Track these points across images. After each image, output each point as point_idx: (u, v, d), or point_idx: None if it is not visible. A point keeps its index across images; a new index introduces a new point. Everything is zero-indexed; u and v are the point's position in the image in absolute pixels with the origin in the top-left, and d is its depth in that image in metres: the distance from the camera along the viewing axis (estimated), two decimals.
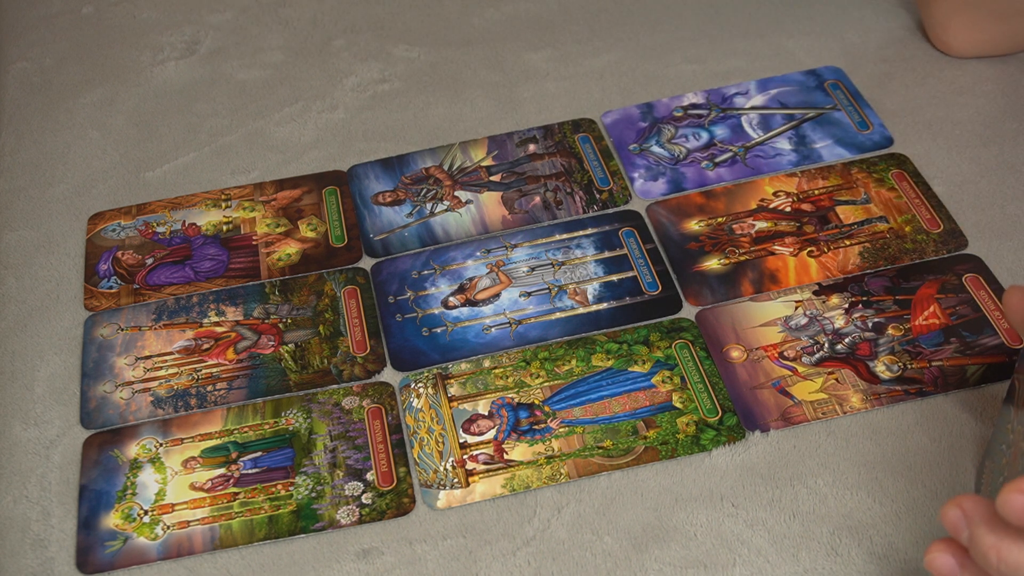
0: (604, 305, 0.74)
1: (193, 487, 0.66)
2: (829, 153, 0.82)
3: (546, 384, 0.70)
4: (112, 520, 0.65)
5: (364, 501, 0.65)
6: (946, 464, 0.64)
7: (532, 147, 0.85)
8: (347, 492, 0.66)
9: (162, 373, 0.72)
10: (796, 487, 0.64)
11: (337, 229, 0.80)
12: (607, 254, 0.77)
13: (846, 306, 0.72)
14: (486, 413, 0.69)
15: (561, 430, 0.67)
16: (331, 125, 0.89)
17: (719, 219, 0.79)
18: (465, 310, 0.75)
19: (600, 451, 0.66)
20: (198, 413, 0.70)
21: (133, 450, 0.68)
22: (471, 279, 0.76)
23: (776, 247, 0.76)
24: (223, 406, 0.70)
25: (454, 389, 0.70)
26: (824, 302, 0.73)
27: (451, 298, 0.75)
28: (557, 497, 0.65)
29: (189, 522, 0.65)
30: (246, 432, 0.69)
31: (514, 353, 0.72)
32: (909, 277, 0.74)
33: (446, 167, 0.84)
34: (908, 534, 0.61)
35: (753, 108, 0.86)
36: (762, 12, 0.95)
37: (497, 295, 0.75)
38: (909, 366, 0.69)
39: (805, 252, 0.76)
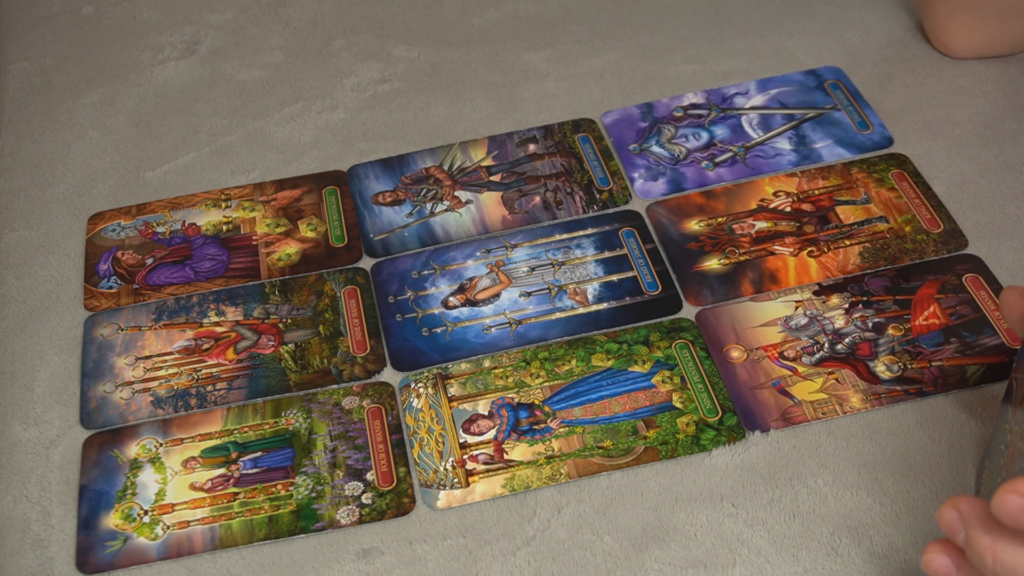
0: (604, 305, 0.74)
1: (193, 487, 0.67)
2: (829, 153, 0.82)
3: (546, 384, 0.70)
4: (112, 520, 0.65)
5: (364, 501, 0.65)
6: (946, 464, 0.64)
7: (532, 147, 0.85)
8: (347, 492, 0.66)
9: (162, 373, 0.72)
10: (796, 487, 0.64)
11: (337, 229, 0.80)
12: (607, 254, 0.77)
13: (846, 306, 0.72)
14: (486, 413, 0.69)
15: (561, 430, 0.67)
16: (331, 125, 0.89)
17: (719, 219, 0.79)
18: (465, 310, 0.75)
19: (600, 451, 0.66)
20: (198, 413, 0.70)
21: (133, 450, 0.68)
22: (471, 279, 0.76)
23: (776, 247, 0.76)
24: (223, 406, 0.70)
25: (454, 389, 0.70)
26: (824, 302, 0.73)
27: (451, 298, 0.75)
28: (557, 497, 0.65)
29: (189, 522, 0.65)
30: (246, 432, 0.69)
31: (514, 353, 0.72)
32: (909, 277, 0.74)
33: (446, 167, 0.84)
34: (908, 534, 0.61)
35: (753, 108, 0.86)
36: (762, 12, 0.95)
37: (497, 295, 0.75)
38: (909, 366, 0.69)
39: (805, 252, 0.76)
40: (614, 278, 0.76)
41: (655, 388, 0.69)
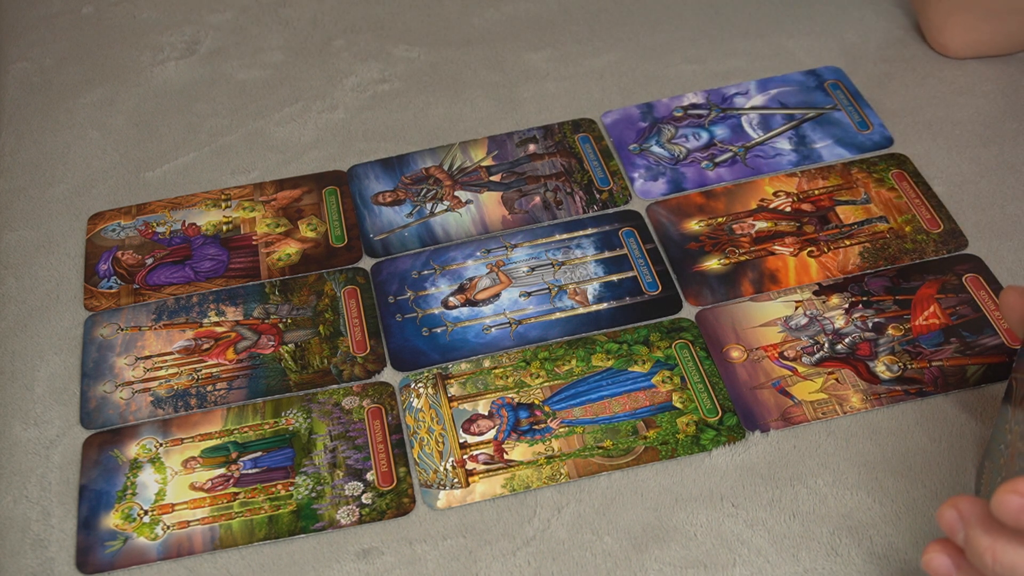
0: (604, 305, 0.74)
1: (193, 487, 0.67)
2: (829, 153, 0.82)
3: (546, 384, 0.70)
4: (112, 520, 0.65)
5: (364, 501, 0.65)
6: (946, 464, 0.64)
7: (532, 147, 0.85)
8: (347, 492, 0.66)
9: (162, 373, 0.72)
10: (796, 487, 0.64)
11: (337, 229, 0.80)
12: (607, 254, 0.77)
13: (846, 306, 0.72)
14: (486, 413, 0.69)
15: (561, 430, 0.67)
16: (331, 125, 0.89)
17: (719, 219, 0.79)
18: (465, 310, 0.75)
19: (600, 451, 0.66)
20: (198, 413, 0.70)
21: (133, 450, 0.68)
22: (471, 279, 0.76)
23: (776, 247, 0.76)
24: (223, 406, 0.70)
25: (454, 389, 0.70)
26: (824, 302, 0.73)
27: (451, 298, 0.75)
28: (557, 497, 0.65)
29: (189, 522, 0.65)
30: (246, 432, 0.69)
31: (514, 353, 0.72)
32: (909, 277, 0.74)
33: (446, 167, 0.84)
34: (908, 534, 0.61)
35: (753, 108, 0.86)
36: (762, 12, 0.95)
37: (497, 295, 0.75)
38: (909, 366, 0.69)
39: (805, 252, 0.76)
40: (614, 278, 0.76)
41: (655, 388, 0.69)
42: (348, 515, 0.65)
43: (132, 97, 0.93)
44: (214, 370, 0.72)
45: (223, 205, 0.83)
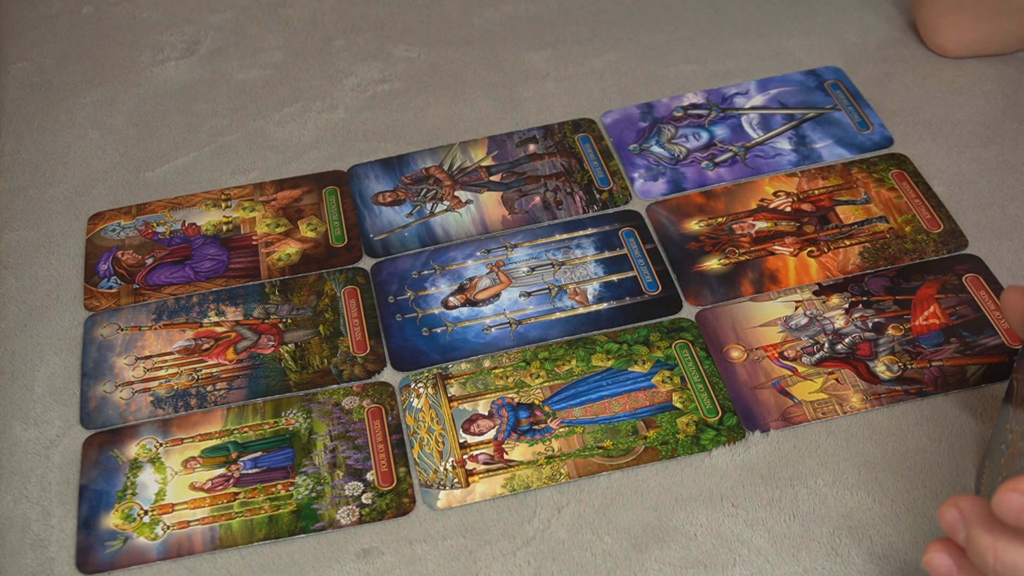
0: (604, 305, 0.74)
1: (193, 487, 0.66)
2: (829, 153, 0.82)
3: (546, 384, 0.70)
4: (112, 520, 0.65)
5: (364, 501, 0.65)
6: (946, 464, 0.64)
7: (532, 147, 0.85)
8: (347, 492, 0.66)
9: (162, 373, 0.72)
10: (796, 487, 0.64)
11: (337, 229, 0.80)
12: (607, 254, 0.77)
13: (846, 306, 0.72)
14: (486, 413, 0.69)
15: (561, 430, 0.67)
16: (331, 125, 0.89)
17: (719, 219, 0.79)
18: (465, 310, 0.75)
19: (600, 451, 0.66)
20: (198, 413, 0.70)
21: (133, 450, 0.68)
22: (471, 279, 0.76)
23: (776, 247, 0.76)
24: (223, 406, 0.70)
25: (454, 389, 0.70)
26: (824, 302, 0.73)
27: (451, 298, 0.75)
28: (557, 497, 0.65)
29: (189, 522, 0.65)
30: (246, 432, 0.69)
31: (514, 353, 0.72)
32: (909, 277, 0.74)
33: (446, 167, 0.84)
34: (908, 534, 0.61)
35: (753, 108, 0.86)
36: (762, 12, 0.95)
37: (497, 295, 0.75)
38: (909, 366, 0.69)
39: (805, 252, 0.76)
40: (614, 278, 0.76)
41: (655, 388, 0.69)
42: (348, 515, 0.65)
43: (132, 97, 0.93)
44: (214, 370, 0.72)
45: (223, 205, 0.83)
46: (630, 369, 0.70)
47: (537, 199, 0.81)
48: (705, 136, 0.85)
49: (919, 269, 0.74)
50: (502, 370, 0.71)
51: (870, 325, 0.71)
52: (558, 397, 0.69)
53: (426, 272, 0.77)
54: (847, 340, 0.70)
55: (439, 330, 0.73)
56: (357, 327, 0.74)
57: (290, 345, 0.73)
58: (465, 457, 0.67)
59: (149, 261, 0.79)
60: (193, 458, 0.68)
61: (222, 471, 0.67)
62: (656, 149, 0.84)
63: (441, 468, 0.66)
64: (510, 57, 0.93)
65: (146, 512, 0.65)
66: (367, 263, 0.78)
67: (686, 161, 0.83)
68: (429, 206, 0.81)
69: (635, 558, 0.62)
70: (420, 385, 0.70)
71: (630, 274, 0.76)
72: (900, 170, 0.81)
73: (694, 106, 0.87)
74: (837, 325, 0.71)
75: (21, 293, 0.78)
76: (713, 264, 0.76)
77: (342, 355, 0.72)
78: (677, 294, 0.74)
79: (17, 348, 0.75)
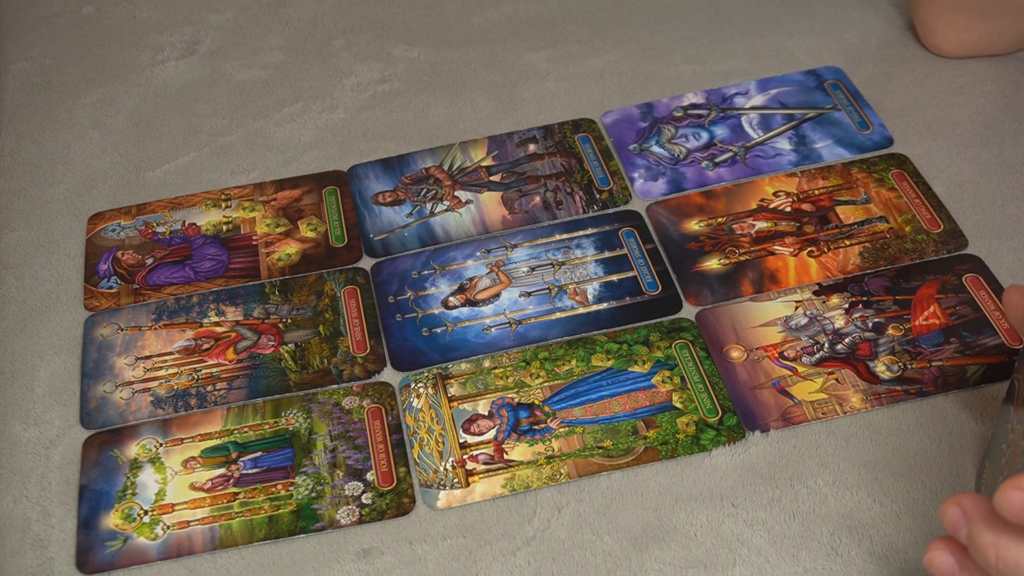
0: (604, 305, 0.74)
1: (193, 487, 0.66)
2: (829, 153, 0.83)
3: (546, 384, 0.70)
4: (112, 520, 0.65)
5: (364, 501, 0.65)
6: (946, 464, 0.64)
7: (532, 147, 0.85)
8: (347, 492, 0.66)
9: (162, 373, 0.72)
10: (796, 487, 0.64)
11: (337, 229, 0.80)
12: (607, 254, 0.77)
13: (846, 306, 0.72)
14: (486, 413, 0.69)
15: (561, 430, 0.67)
16: (331, 125, 0.89)
17: (719, 219, 0.79)
18: (465, 310, 0.75)
19: (600, 451, 0.66)
20: (198, 413, 0.70)
21: (133, 450, 0.68)
22: (471, 279, 0.76)
23: (776, 247, 0.76)
24: (223, 406, 0.70)
25: (454, 389, 0.70)
26: (824, 302, 0.73)
27: (451, 298, 0.75)
28: (557, 497, 0.65)
29: (189, 522, 0.65)
30: (246, 432, 0.69)
31: (514, 353, 0.72)
32: (909, 277, 0.74)
33: (446, 167, 0.84)
34: (908, 534, 0.61)
35: (753, 108, 0.86)
36: (762, 12, 0.95)
37: (497, 295, 0.75)
38: (909, 366, 0.69)
39: (805, 252, 0.76)
40: (614, 278, 0.76)
41: (655, 388, 0.69)
42: (348, 515, 0.64)
43: (132, 97, 0.93)
44: (214, 370, 0.72)
45: (223, 205, 0.83)
46: (630, 369, 0.70)
47: (537, 199, 0.81)
48: (705, 136, 0.85)
49: (919, 269, 0.74)
50: (502, 370, 0.71)
51: (870, 325, 0.71)
52: (558, 397, 0.69)
53: (426, 272, 0.77)
54: (847, 340, 0.70)
55: (439, 330, 0.73)
56: (357, 327, 0.74)
57: (290, 345, 0.73)
58: (465, 457, 0.67)
59: (149, 261, 0.79)
60: (193, 458, 0.68)
61: (222, 471, 0.67)
62: (656, 149, 0.84)
63: (441, 468, 0.66)
64: (510, 57, 0.93)
65: (146, 512, 0.65)
66: (367, 263, 0.78)
67: (686, 161, 0.83)
68: (429, 206, 0.81)
69: (635, 558, 0.61)
70: (420, 385, 0.70)
71: (630, 274, 0.76)
72: (900, 170, 0.81)
73: (694, 106, 0.87)
74: (837, 325, 0.71)
75: (21, 293, 0.78)
76: (713, 264, 0.76)
77: (342, 355, 0.72)
78: (677, 294, 0.74)
79: (17, 348, 0.75)
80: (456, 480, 0.66)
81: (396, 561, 0.62)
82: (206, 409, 0.70)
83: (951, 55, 0.88)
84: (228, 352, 0.73)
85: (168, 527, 0.65)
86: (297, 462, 0.67)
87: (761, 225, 0.78)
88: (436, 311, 0.75)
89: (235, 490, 0.66)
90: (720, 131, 0.85)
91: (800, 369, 0.69)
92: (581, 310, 0.74)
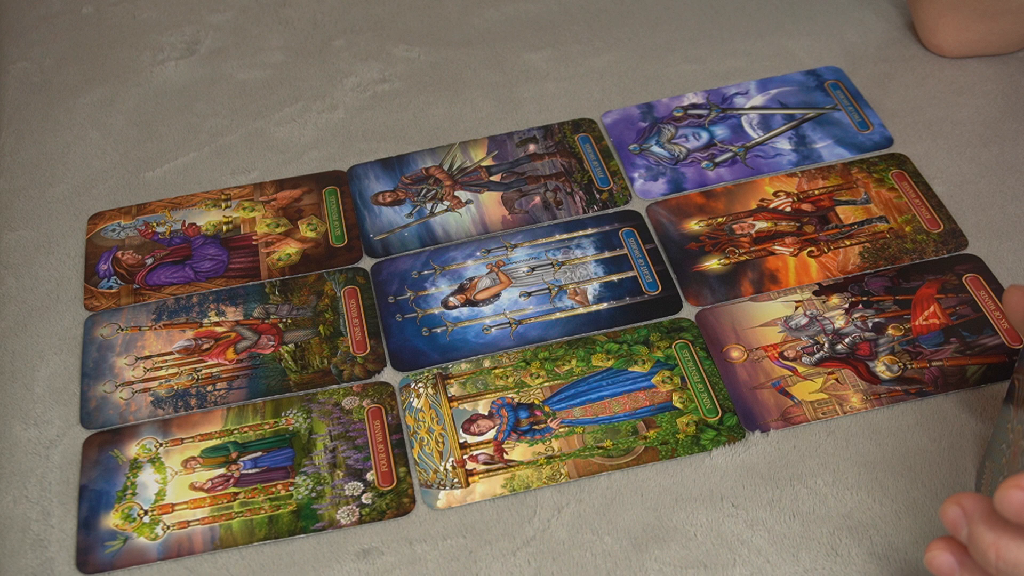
0: (604, 305, 0.74)
1: (193, 487, 0.66)
2: (829, 153, 0.83)
3: (546, 384, 0.70)
4: (112, 520, 0.65)
5: (364, 501, 0.65)
6: (946, 464, 0.64)
7: (532, 147, 0.85)
8: (347, 492, 0.66)
9: (162, 373, 0.72)
10: (796, 487, 0.64)
11: (337, 229, 0.80)
12: (607, 254, 0.77)
13: (846, 306, 0.72)
14: (486, 413, 0.69)
15: (561, 430, 0.67)
16: (331, 125, 0.89)
17: (719, 219, 0.79)
18: (465, 310, 0.75)
19: (600, 451, 0.66)
20: (198, 413, 0.70)
21: (133, 450, 0.68)
22: (471, 279, 0.76)
23: (776, 247, 0.76)
24: (223, 406, 0.70)
25: (454, 389, 0.70)
26: (824, 302, 0.73)
27: (451, 298, 0.75)
28: (557, 497, 0.65)
29: (189, 522, 0.65)
30: (246, 432, 0.69)
31: (514, 353, 0.72)
32: (909, 277, 0.74)
33: (446, 167, 0.84)
34: (908, 534, 0.61)
35: (753, 108, 0.86)
36: (762, 12, 0.95)
37: (497, 295, 0.75)
38: (909, 366, 0.69)
39: (805, 252, 0.76)
40: (614, 278, 0.76)
41: (655, 388, 0.69)
42: (348, 515, 0.64)
43: (132, 97, 0.93)
44: (214, 370, 0.72)
45: (223, 205, 0.83)
46: (630, 369, 0.70)
47: (537, 199, 0.81)
48: (705, 136, 0.85)
49: (919, 269, 0.74)
50: (502, 370, 0.71)
51: (870, 325, 0.71)
52: (558, 397, 0.69)
53: (426, 272, 0.77)
54: (847, 340, 0.70)
55: (439, 330, 0.73)
56: (357, 327, 0.74)
57: (290, 345, 0.73)
58: (465, 457, 0.67)
59: (149, 261, 0.79)
60: (193, 458, 0.68)
61: (222, 471, 0.67)
62: (656, 149, 0.84)
63: (441, 468, 0.66)
64: (510, 57, 0.93)
65: (146, 512, 0.65)
66: (367, 263, 0.78)
67: (686, 161, 0.83)
68: (429, 206, 0.81)
69: (635, 558, 0.61)
70: (420, 385, 0.70)
71: (630, 274, 0.76)
72: (900, 170, 0.81)
73: (694, 106, 0.87)
74: (837, 325, 0.71)
75: (21, 293, 0.78)
76: (713, 264, 0.76)
77: (342, 355, 0.72)
78: (677, 294, 0.74)
79: (17, 348, 0.75)
80: (456, 480, 0.66)
81: (396, 561, 0.62)
82: (206, 409, 0.70)
83: (951, 55, 0.88)
84: (228, 352, 0.73)
85: (168, 527, 0.65)
86: (297, 462, 0.67)
87: (761, 225, 0.78)
88: (436, 311, 0.75)
89: (235, 490, 0.66)
90: (720, 131, 0.85)
91: (800, 369, 0.69)
92: (581, 310, 0.74)
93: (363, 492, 0.65)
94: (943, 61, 0.89)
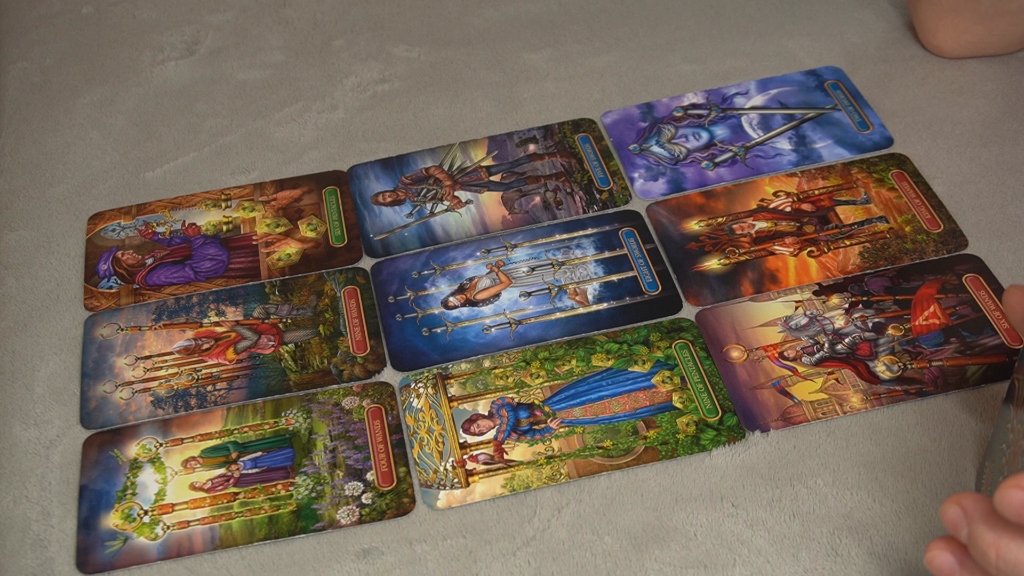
0: (604, 305, 0.74)
1: (193, 487, 0.66)
2: (829, 153, 0.83)
3: (546, 384, 0.70)
4: (112, 520, 0.65)
5: (364, 501, 0.65)
6: (946, 464, 0.64)
7: (532, 147, 0.85)
8: (347, 492, 0.66)
9: (162, 373, 0.72)
10: (796, 487, 0.64)
11: (337, 229, 0.80)
12: (607, 254, 0.77)
13: (846, 306, 0.72)
14: (486, 413, 0.69)
15: (561, 430, 0.67)
16: (331, 125, 0.89)
17: (719, 219, 0.79)
18: (465, 310, 0.75)
19: (600, 451, 0.66)
20: (198, 413, 0.70)
21: (133, 450, 0.68)
22: (471, 279, 0.76)
23: (776, 247, 0.76)
24: (223, 406, 0.70)
25: (454, 389, 0.70)
26: (824, 302, 0.73)
27: (451, 298, 0.75)
28: (557, 497, 0.65)
29: (189, 522, 0.65)
30: (246, 432, 0.69)
31: (514, 353, 0.72)
32: (909, 277, 0.74)
33: (446, 167, 0.84)
34: (908, 534, 0.61)
35: (753, 108, 0.86)
36: (762, 12, 0.95)
37: (497, 295, 0.75)
38: (909, 366, 0.69)
39: (805, 252, 0.76)
40: (614, 278, 0.76)
41: (655, 388, 0.69)
42: (348, 515, 0.64)
43: (132, 97, 0.93)
44: (214, 370, 0.72)
45: (223, 205, 0.83)
46: (630, 369, 0.70)
47: (537, 199, 0.81)
48: (705, 136, 0.85)
49: (919, 269, 0.74)
50: (502, 370, 0.71)
51: (870, 325, 0.71)
52: (558, 397, 0.69)
53: (426, 272, 0.77)
54: (847, 340, 0.70)
55: (439, 330, 0.73)
56: (357, 327, 0.74)
57: (290, 345, 0.73)
58: (465, 457, 0.67)
59: (149, 261, 0.79)
60: (193, 458, 0.68)
61: (222, 471, 0.67)
62: (656, 149, 0.84)
63: (441, 468, 0.66)
64: (510, 57, 0.93)
65: (146, 512, 0.65)
66: (367, 263, 0.78)
67: (686, 161, 0.83)
68: (429, 206, 0.81)
69: (635, 558, 0.61)
70: (420, 385, 0.70)
71: (630, 274, 0.76)
72: (900, 170, 0.81)
73: (694, 106, 0.87)
74: (837, 325, 0.71)
75: (21, 293, 0.78)
76: (713, 264, 0.76)
77: (342, 355, 0.72)
78: (677, 294, 0.74)
79: (17, 348, 0.75)
80: (456, 480, 0.66)
81: (396, 561, 0.62)
82: (206, 409, 0.70)
83: (951, 56, 0.88)
84: (228, 352, 0.73)
85: (168, 527, 0.65)
86: (297, 462, 0.67)
87: (761, 225, 0.78)
88: (436, 311, 0.75)
89: (235, 490, 0.66)
90: (720, 131, 0.85)
91: (800, 369, 0.69)
92: (581, 310, 0.74)
93: (363, 492, 0.66)
94: (943, 61, 0.89)
